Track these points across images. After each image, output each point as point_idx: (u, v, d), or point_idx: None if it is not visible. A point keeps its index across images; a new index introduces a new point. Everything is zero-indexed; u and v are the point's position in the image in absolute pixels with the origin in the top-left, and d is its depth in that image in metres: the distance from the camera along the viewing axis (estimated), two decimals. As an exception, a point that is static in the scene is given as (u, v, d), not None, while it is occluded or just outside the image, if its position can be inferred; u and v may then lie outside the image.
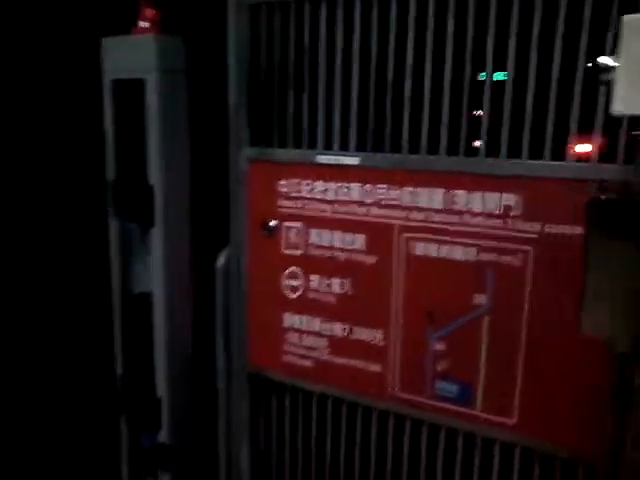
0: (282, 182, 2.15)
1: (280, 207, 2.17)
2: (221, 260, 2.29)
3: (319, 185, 2.09)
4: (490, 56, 1.79)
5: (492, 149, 1.84)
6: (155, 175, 2.25)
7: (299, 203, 2.13)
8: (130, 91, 2.25)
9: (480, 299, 1.89)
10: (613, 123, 1.65)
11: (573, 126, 1.72)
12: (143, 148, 2.24)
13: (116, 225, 2.43)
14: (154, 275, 2.29)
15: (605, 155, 1.69)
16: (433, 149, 1.92)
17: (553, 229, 1.77)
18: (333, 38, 2.03)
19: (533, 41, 1.72)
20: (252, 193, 2.22)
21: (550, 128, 1.75)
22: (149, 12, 2.20)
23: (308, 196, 2.11)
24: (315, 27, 2.05)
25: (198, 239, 2.47)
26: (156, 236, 2.27)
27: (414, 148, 1.94)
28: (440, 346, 1.96)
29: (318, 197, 2.10)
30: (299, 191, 2.13)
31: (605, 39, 1.62)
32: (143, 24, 2.22)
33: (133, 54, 2.24)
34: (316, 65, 2.07)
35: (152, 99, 2.22)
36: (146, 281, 2.35)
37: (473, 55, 1.82)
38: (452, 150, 1.89)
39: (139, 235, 2.38)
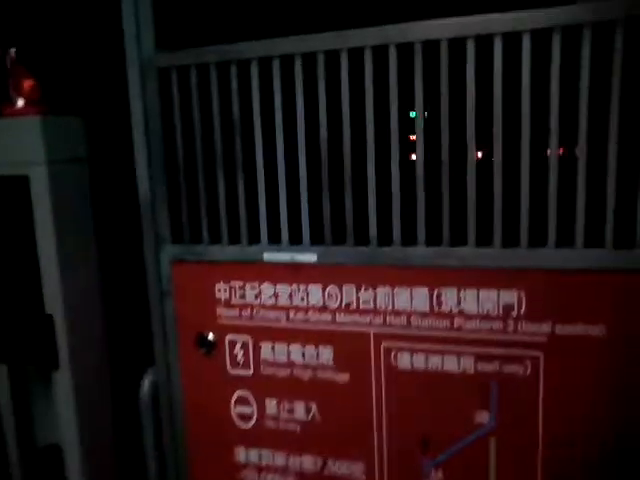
0: (220, 286, 1.72)
1: (220, 317, 1.74)
2: (145, 388, 1.81)
3: (268, 288, 1.68)
4: (472, 140, 1.46)
5: (483, 236, 1.51)
6: (53, 300, 1.70)
7: (244, 311, 1.71)
8: (11, 191, 1.71)
9: (483, 417, 1.55)
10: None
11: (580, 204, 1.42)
12: (36, 268, 1.70)
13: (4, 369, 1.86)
14: (63, 424, 1.77)
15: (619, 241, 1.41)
16: (409, 239, 1.56)
17: (566, 330, 1.46)
18: (272, 104, 1.63)
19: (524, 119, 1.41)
20: (181, 301, 1.77)
21: (553, 207, 1.44)
22: (27, 84, 1.66)
23: (255, 302, 1.69)
24: (247, 92, 1.64)
25: (119, 365, 1.97)
26: (62, 380, 1.74)
27: (385, 239, 1.58)
28: (438, 476, 1.61)
29: (268, 303, 1.68)
30: (243, 296, 1.70)
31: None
32: (19, 101, 1.68)
33: (12, 142, 1.69)
34: (252, 138, 1.66)
35: (40, 201, 1.69)
36: (54, 431, 1.81)
37: (452, 134, 1.48)
38: (433, 239, 1.54)
39: (40, 376, 1.83)
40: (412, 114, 1.53)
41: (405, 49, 1.49)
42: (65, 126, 1.75)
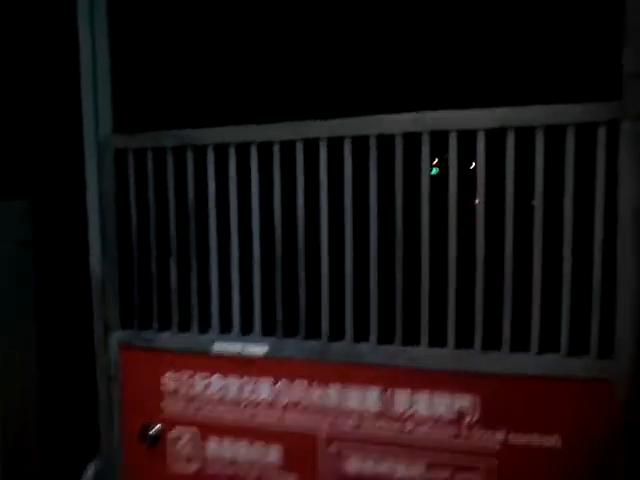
0: (168, 376, 1.65)
1: (165, 409, 1.66)
2: (88, 478, 1.73)
3: (216, 381, 1.61)
4: (427, 239, 1.42)
5: (438, 336, 1.45)
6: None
7: (191, 404, 1.63)
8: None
9: (435, 527, 1.46)
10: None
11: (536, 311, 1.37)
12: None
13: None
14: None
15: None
16: (362, 335, 1.51)
17: (521, 439, 1.39)
18: (226, 190, 1.60)
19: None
20: (127, 390, 1.70)
21: (508, 310, 1.39)
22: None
23: (203, 395, 1.62)
24: (203, 178, 1.62)
25: (58, 456, 1.88)
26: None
27: (337, 333, 1.52)
28: None
29: (216, 396, 1.61)
30: (191, 388, 1.63)
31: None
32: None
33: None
34: (205, 224, 1.62)
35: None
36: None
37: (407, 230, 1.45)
38: (386, 337, 1.49)
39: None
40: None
41: (360, 142, 1.47)
42: (9, 210, 1.71)
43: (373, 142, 1.45)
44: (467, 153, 1.40)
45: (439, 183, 1.42)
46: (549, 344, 1.38)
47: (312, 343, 1.53)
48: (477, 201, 1.40)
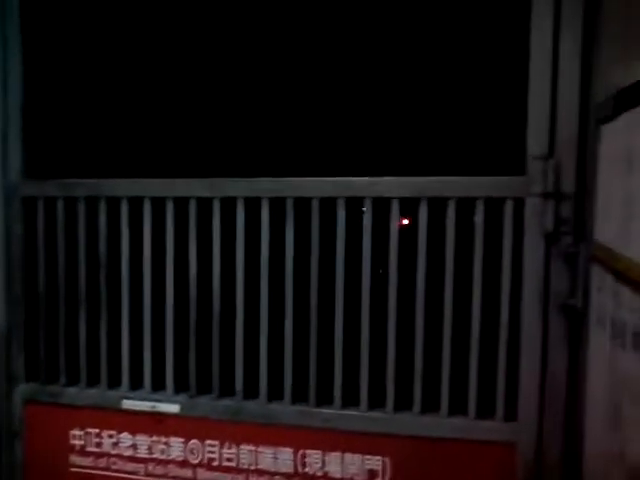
0: (75, 432, 1.60)
1: (73, 465, 1.60)
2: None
3: (126, 438, 1.57)
4: (340, 302, 1.44)
5: (350, 398, 1.47)
6: None
7: (100, 461, 1.58)
8: None
9: None
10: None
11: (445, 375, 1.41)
12: None
13: None
14: None
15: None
16: (275, 394, 1.50)
17: (430, 500, 1.42)
18: (140, 243, 1.56)
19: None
20: (31, 446, 1.62)
21: (419, 373, 1.42)
22: None
23: (112, 452, 1.57)
24: (116, 229, 1.57)
25: None
26: None
27: (251, 392, 1.51)
28: None
29: (126, 454, 1.57)
30: (100, 445, 1.58)
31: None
32: None
33: None
34: (117, 277, 1.58)
35: None
36: None
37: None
38: (300, 396, 1.49)
39: None
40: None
41: (278, 203, 1.47)
42: None
43: (290, 204, 1.45)
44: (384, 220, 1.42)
45: (354, 247, 1.44)
46: (459, 407, 1.41)
47: (225, 402, 1.51)
48: (390, 265, 1.42)
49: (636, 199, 0.91)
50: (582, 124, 1.26)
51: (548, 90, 1.29)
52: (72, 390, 1.60)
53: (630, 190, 0.94)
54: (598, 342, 1.12)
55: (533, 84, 1.30)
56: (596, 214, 1.16)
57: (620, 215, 0.99)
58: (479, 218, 1.36)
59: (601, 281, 1.09)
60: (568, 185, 1.29)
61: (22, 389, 1.62)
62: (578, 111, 1.27)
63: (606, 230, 1.10)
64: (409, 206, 1.40)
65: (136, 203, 1.54)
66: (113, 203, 1.56)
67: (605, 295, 1.05)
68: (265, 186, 1.46)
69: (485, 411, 1.40)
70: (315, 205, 1.44)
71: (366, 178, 1.42)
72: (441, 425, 1.41)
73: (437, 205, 1.38)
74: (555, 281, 1.31)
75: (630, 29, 1.01)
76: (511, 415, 1.38)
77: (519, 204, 1.33)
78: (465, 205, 1.37)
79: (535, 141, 1.30)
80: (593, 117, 1.20)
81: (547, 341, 1.32)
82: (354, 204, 1.43)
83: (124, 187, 1.54)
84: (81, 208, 1.57)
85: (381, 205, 1.41)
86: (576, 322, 1.29)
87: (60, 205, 1.58)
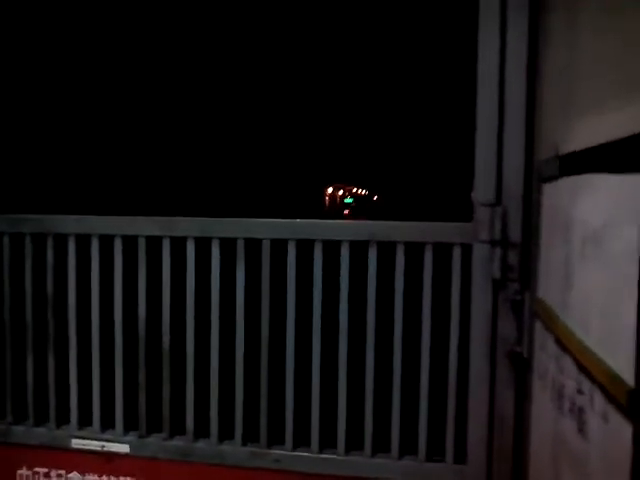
0: (23, 472, 1.57)
1: (19, 507, 1.57)
2: None
3: (75, 477, 1.54)
4: (292, 342, 1.43)
5: (302, 439, 1.47)
6: None
7: (47, 502, 1.56)
8: None
9: None
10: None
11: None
12: None
13: None
14: None
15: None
16: (227, 433, 1.49)
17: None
18: (88, 281, 1.54)
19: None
20: (-23, 487, 1.59)
21: (369, 415, 1.42)
22: None
23: (60, 493, 1.55)
24: (63, 266, 1.54)
25: None
26: None
27: (202, 431, 1.50)
28: None
29: (74, 494, 1.54)
30: (47, 486, 1.56)
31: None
32: None
33: None
34: (65, 314, 1.55)
35: None
36: None
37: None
38: (251, 436, 1.48)
39: None
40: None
41: (228, 243, 1.45)
42: None
43: (241, 244, 1.44)
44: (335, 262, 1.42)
45: (305, 288, 1.43)
46: (409, 449, 1.42)
47: (176, 442, 1.50)
48: (341, 307, 1.42)
49: (574, 269, 0.92)
50: (528, 175, 1.27)
51: (494, 140, 1.30)
52: (20, 429, 1.57)
53: (568, 256, 0.95)
54: (541, 398, 1.13)
55: (480, 133, 1.31)
56: (539, 269, 1.18)
57: (560, 278, 1.00)
58: (427, 262, 1.36)
59: (543, 339, 1.10)
60: (515, 233, 1.30)
61: (-33, 428, 1.59)
62: (524, 162, 1.28)
63: (548, 288, 1.11)
64: (359, 249, 1.40)
65: (84, 240, 1.51)
66: (60, 240, 1.53)
67: (547, 356, 1.06)
68: (215, 227, 1.45)
69: (435, 453, 1.41)
70: (266, 246, 1.43)
71: (317, 220, 1.41)
72: (392, 467, 1.41)
73: (386, 249, 1.38)
74: (502, 327, 1.32)
75: (568, 94, 1.02)
76: (460, 458, 1.39)
77: (467, 250, 1.34)
78: (415, 250, 1.37)
79: (482, 189, 1.31)
80: (536, 173, 1.21)
81: (495, 386, 1.33)
82: (305, 246, 1.43)
83: (71, 224, 1.51)
84: (28, 244, 1.54)
85: (332, 248, 1.41)
86: (522, 370, 1.30)
87: (6, 241, 1.55)
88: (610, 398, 0.70)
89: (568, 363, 0.88)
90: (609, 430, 0.71)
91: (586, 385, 0.79)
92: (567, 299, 0.95)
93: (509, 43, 1.29)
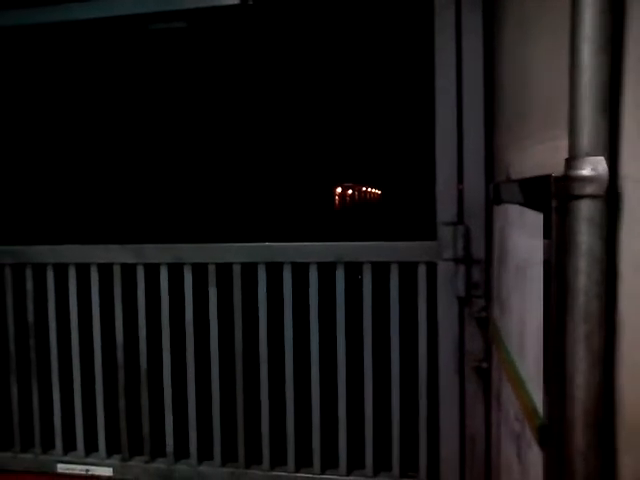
0: (10, 497, 1.60)
1: (9, 531, 1.61)
2: None
3: (61, 501, 1.58)
4: (265, 363, 1.45)
5: (278, 458, 1.49)
6: None
7: (35, 526, 1.59)
8: None
9: None
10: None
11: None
12: None
13: None
14: None
15: None
16: (205, 454, 1.52)
17: None
18: (67, 309, 1.57)
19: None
20: (-32, 512, 1.63)
21: (343, 434, 1.44)
22: None
23: (47, 517, 1.58)
24: (43, 295, 1.58)
25: None
26: None
27: (182, 453, 1.53)
28: None
29: (61, 518, 1.58)
30: (34, 510, 1.59)
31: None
32: None
33: None
34: (46, 342, 1.58)
35: None
36: None
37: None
38: (230, 456, 1.51)
39: None
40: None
41: (201, 268, 1.48)
42: None
43: (212, 269, 1.47)
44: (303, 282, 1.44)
45: (276, 309, 1.46)
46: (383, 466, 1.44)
47: (157, 465, 1.53)
48: (312, 327, 1.44)
49: (509, 294, 0.93)
50: (488, 196, 1.28)
51: (454, 159, 1.31)
52: (5, 455, 1.61)
53: (506, 281, 0.96)
54: (497, 418, 1.14)
55: (439, 152, 1.32)
56: (494, 289, 1.19)
57: (502, 301, 1.01)
58: (394, 281, 1.38)
59: (496, 361, 1.12)
60: (478, 251, 1.31)
61: (-45, 455, 1.63)
62: (484, 181, 1.29)
63: (497, 310, 1.12)
64: (328, 270, 1.42)
65: (61, 269, 1.55)
66: (39, 269, 1.56)
67: (498, 379, 1.08)
68: (187, 252, 1.48)
69: (409, 469, 1.42)
70: (237, 270, 1.45)
71: (286, 243, 1.43)
72: (367, 483, 1.43)
73: (354, 269, 1.40)
74: (469, 343, 1.33)
75: (516, 119, 1.03)
76: (434, 474, 1.40)
77: (432, 268, 1.35)
78: (381, 269, 1.39)
79: (443, 208, 1.32)
80: (490, 195, 1.22)
81: (465, 401, 1.35)
82: (275, 268, 1.45)
83: (49, 253, 1.55)
84: (7, 275, 1.58)
85: (300, 269, 1.43)
86: (489, 385, 1.31)
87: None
88: (532, 429, 0.72)
89: (509, 390, 0.90)
90: (533, 458, 0.72)
91: (520, 414, 0.81)
92: (507, 324, 0.96)
93: (465, 60, 1.30)
